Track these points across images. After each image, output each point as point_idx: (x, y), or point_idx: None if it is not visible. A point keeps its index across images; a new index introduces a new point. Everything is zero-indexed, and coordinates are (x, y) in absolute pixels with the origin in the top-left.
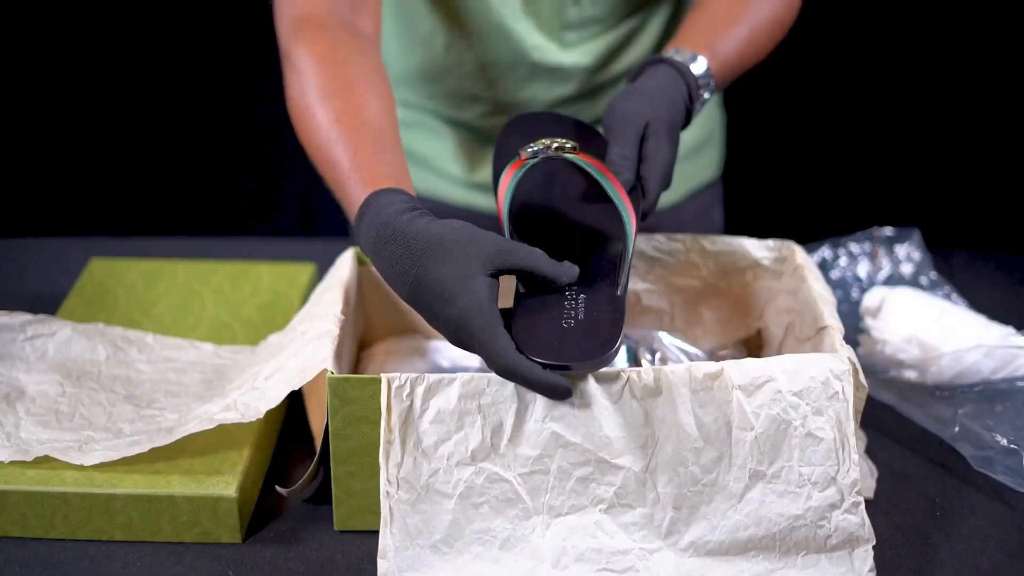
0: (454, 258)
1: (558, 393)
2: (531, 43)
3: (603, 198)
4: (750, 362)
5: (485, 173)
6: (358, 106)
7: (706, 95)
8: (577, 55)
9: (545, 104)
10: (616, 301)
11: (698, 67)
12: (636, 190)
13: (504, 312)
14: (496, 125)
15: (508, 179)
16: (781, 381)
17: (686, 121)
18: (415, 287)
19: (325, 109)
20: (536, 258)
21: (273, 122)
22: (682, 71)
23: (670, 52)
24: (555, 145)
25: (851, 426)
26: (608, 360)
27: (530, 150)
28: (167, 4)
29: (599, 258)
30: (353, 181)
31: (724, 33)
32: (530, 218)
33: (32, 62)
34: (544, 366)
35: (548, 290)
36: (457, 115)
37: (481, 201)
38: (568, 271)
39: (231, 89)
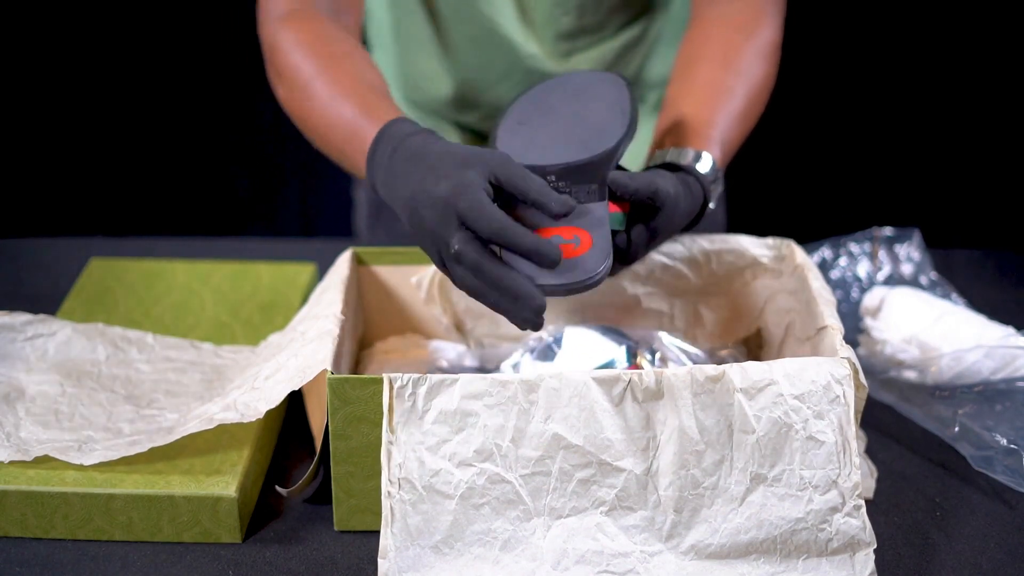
0: (457, 156)
1: (548, 255)
2: (526, 52)
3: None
4: (751, 365)
5: None
6: (355, 72)
7: (712, 205)
8: (573, 65)
9: None
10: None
11: (710, 172)
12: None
13: None
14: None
15: None
16: (782, 384)
17: (691, 224)
18: (415, 190)
19: (323, 79)
20: (532, 181)
21: (273, 122)
22: (701, 181)
23: (683, 156)
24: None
25: (852, 430)
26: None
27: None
28: (167, 4)
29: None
30: (365, 122)
31: (723, 114)
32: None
33: (32, 62)
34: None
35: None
36: (457, 117)
37: None
38: (561, 201)
39: (231, 89)
